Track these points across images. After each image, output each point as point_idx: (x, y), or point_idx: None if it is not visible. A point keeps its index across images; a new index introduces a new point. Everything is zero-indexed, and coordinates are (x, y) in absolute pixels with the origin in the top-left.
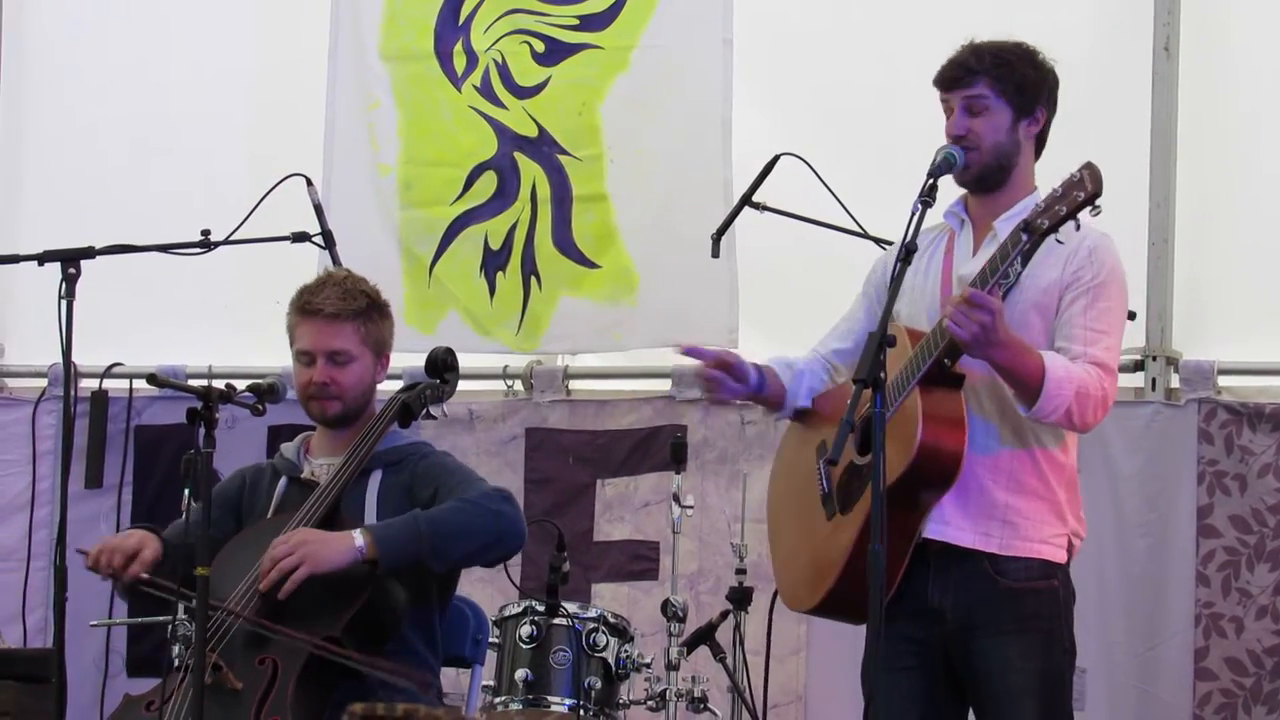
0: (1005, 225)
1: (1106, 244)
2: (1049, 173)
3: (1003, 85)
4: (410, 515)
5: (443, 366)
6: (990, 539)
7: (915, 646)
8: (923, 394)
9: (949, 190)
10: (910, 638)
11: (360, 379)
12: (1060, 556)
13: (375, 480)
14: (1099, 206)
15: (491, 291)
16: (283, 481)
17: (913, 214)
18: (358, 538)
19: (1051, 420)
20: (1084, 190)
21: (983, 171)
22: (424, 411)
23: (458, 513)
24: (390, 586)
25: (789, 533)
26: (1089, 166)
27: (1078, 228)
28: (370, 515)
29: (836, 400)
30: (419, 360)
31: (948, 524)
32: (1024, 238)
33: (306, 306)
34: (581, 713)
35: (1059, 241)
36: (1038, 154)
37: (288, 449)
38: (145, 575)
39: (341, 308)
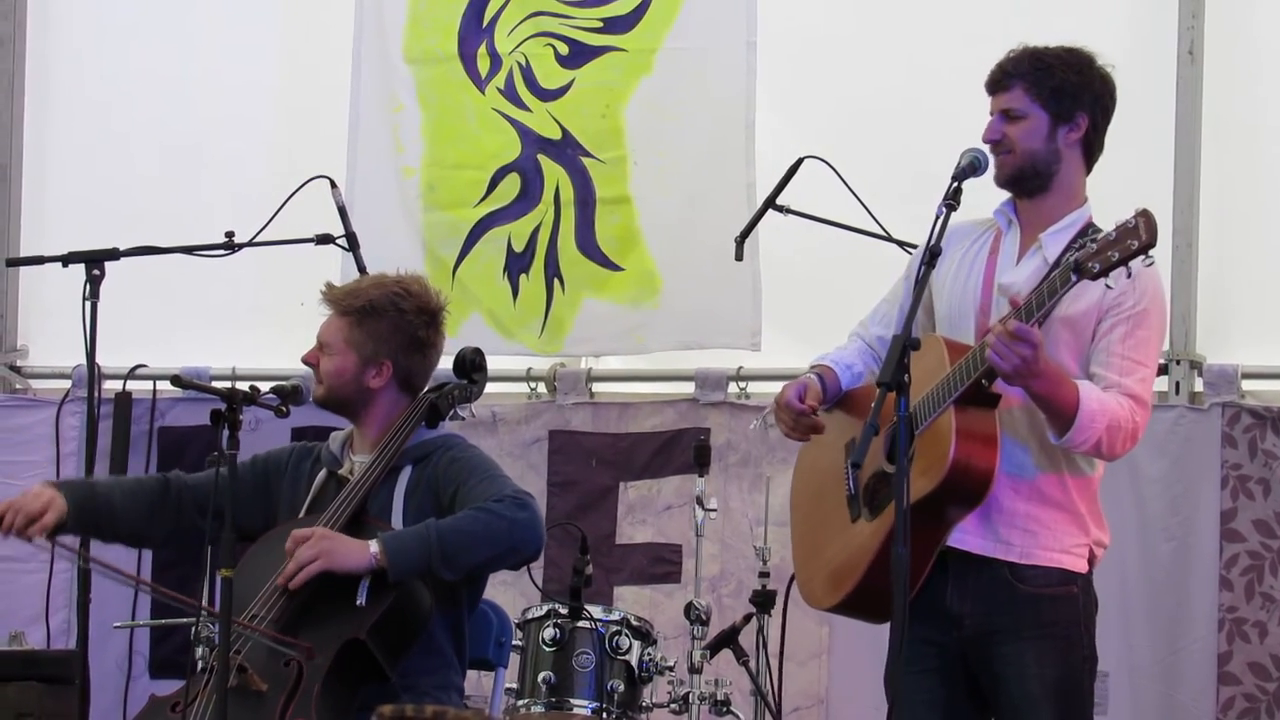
0: (1052, 240)
1: (1149, 270)
2: None
3: (1038, 90)
4: (424, 525)
5: (471, 367)
6: (1011, 548)
7: (935, 649)
8: (957, 411)
9: (975, 192)
10: (930, 640)
11: (335, 371)
12: (1080, 566)
13: (404, 477)
14: (1152, 257)
15: (515, 294)
16: (322, 473)
17: (937, 217)
18: (373, 545)
19: (1080, 450)
20: (1138, 239)
21: (1016, 174)
22: (451, 412)
23: (471, 521)
24: (416, 589)
25: (812, 528)
26: (1145, 215)
27: (1129, 275)
28: (397, 512)
29: (866, 398)
30: (445, 361)
31: (967, 532)
32: (1073, 278)
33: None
34: (604, 715)
35: (1108, 286)
36: (1090, 163)
37: (334, 441)
38: (44, 539)
39: (334, 303)
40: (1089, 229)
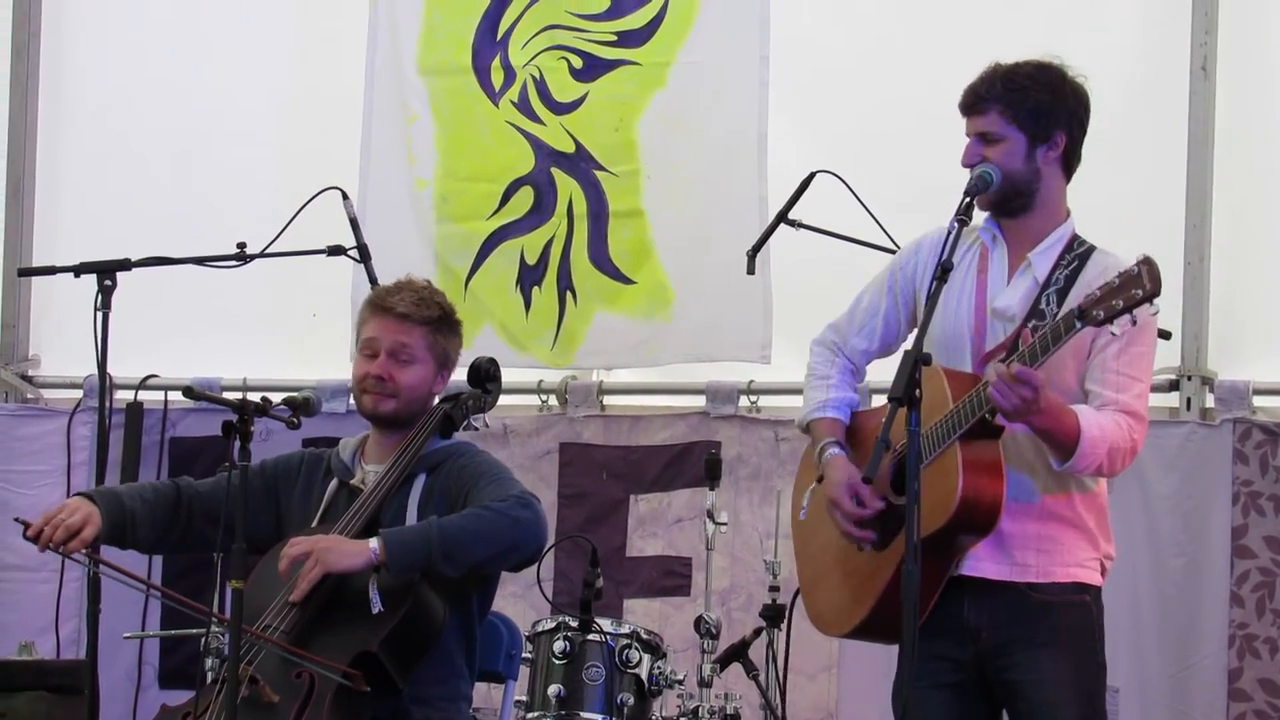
0: (1040, 259)
1: None
2: (1087, 193)
3: (1015, 112)
4: (425, 522)
5: (485, 377)
6: (1028, 569)
7: (952, 665)
8: (962, 445)
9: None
10: (946, 656)
11: (419, 383)
12: (1095, 579)
13: (418, 485)
14: (1157, 306)
15: (527, 306)
16: (333, 483)
17: (949, 232)
18: (372, 542)
19: (1083, 474)
20: (1142, 288)
21: (998, 197)
22: (465, 422)
23: (473, 519)
24: (429, 600)
25: (817, 554)
26: (1148, 263)
27: (1134, 323)
28: (412, 520)
29: (863, 429)
30: (458, 372)
31: (982, 559)
32: (1078, 325)
33: (380, 304)
34: None
35: (1113, 334)
36: (1068, 175)
37: (345, 450)
38: (83, 552)
39: (413, 311)
40: (1074, 243)
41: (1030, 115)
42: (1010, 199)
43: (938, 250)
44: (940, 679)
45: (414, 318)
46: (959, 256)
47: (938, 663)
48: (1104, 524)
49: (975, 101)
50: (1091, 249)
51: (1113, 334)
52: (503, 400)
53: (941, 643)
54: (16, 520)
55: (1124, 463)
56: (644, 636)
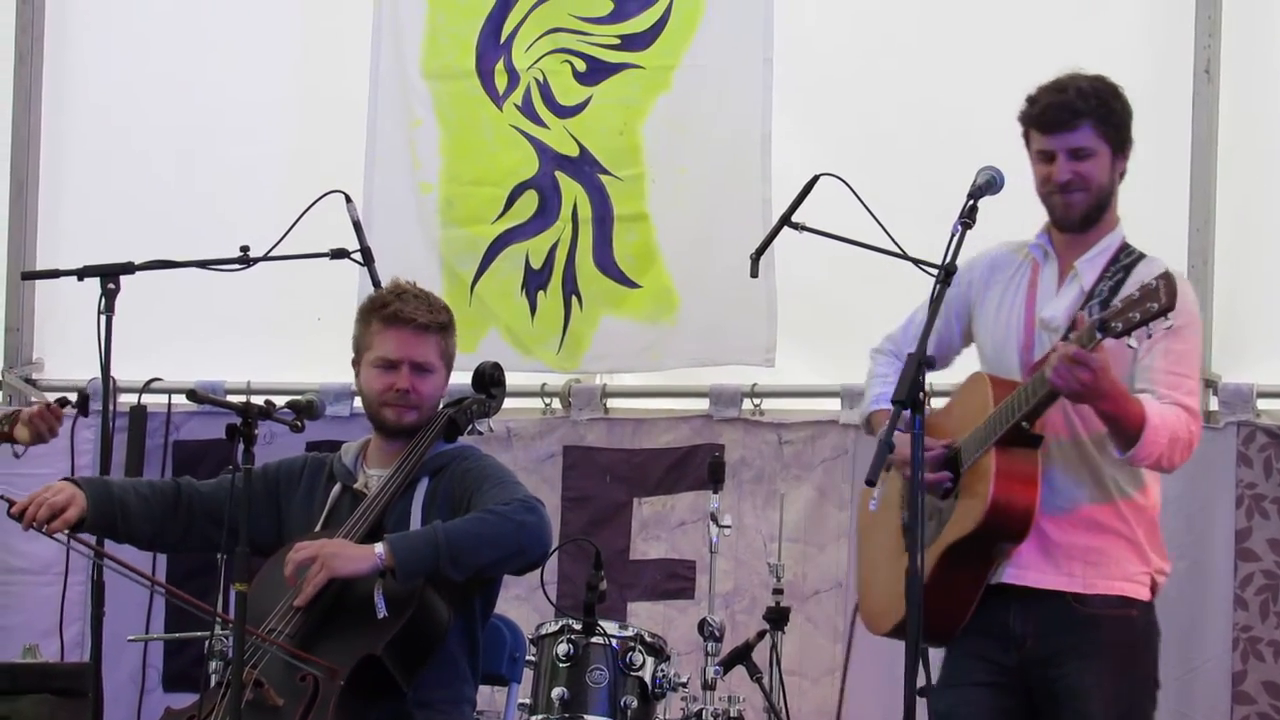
0: (1087, 267)
1: (1182, 283)
2: None
3: (1105, 126)
4: (430, 526)
5: (490, 381)
6: (1074, 579)
7: (993, 666)
8: (998, 452)
9: (989, 210)
10: (989, 658)
11: (436, 391)
12: (1143, 594)
13: (421, 489)
14: (1171, 320)
15: (532, 310)
16: (336, 488)
17: (953, 235)
18: (378, 547)
19: (1144, 464)
20: (1158, 301)
21: (1088, 213)
22: (470, 427)
23: (478, 523)
24: (433, 603)
25: (874, 554)
26: (1167, 278)
27: (1149, 336)
28: (416, 524)
29: (932, 428)
30: (461, 377)
31: (1027, 568)
32: (1098, 336)
33: (397, 315)
34: None
35: (1130, 346)
36: None
37: (347, 454)
38: (65, 533)
39: (430, 320)
40: (1121, 253)
41: (1116, 128)
42: (1095, 212)
43: (993, 266)
44: (979, 678)
45: (432, 327)
46: (1009, 272)
47: (979, 662)
48: (1155, 538)
49: (1070, 117)
50: (1138, 259)
51: (1130, 346)
52: (506, 404)
53: (985, 644)
54: (2, 498)
55: (1181, 457)
56: (648, 639)
